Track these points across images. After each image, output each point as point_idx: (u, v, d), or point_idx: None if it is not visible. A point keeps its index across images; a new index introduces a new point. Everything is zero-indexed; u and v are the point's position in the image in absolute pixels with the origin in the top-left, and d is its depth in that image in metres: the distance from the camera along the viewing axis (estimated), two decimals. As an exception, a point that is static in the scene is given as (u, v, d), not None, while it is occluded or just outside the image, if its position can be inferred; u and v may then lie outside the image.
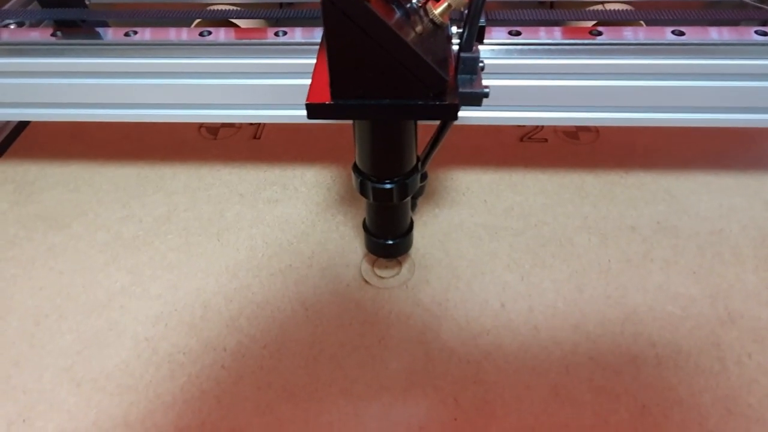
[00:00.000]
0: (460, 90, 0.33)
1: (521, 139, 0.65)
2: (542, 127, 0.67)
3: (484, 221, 0.55)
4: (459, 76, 0.34)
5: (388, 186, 0.40)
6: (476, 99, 0.34)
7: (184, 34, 0.48)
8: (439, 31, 0.33)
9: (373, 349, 0.45)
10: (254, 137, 0.67)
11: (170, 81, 0.48)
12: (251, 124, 0.69)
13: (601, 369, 0.44)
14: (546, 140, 0.65)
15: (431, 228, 0.55)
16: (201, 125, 0.68)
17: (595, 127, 0.66)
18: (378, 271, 0.51)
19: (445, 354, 0.45)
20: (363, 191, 0.41)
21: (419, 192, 0.48)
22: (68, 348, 0.46)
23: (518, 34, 0.46)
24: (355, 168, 0.41)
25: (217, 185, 0.60)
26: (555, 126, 0.67)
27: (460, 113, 0.33)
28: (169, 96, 0.50)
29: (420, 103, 0.32)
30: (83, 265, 0.53)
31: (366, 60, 0.30)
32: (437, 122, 0.39)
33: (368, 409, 0.42)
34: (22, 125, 0.69)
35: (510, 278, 0.50)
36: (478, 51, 0.33)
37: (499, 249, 0.53)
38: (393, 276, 0.51)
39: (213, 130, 0.68)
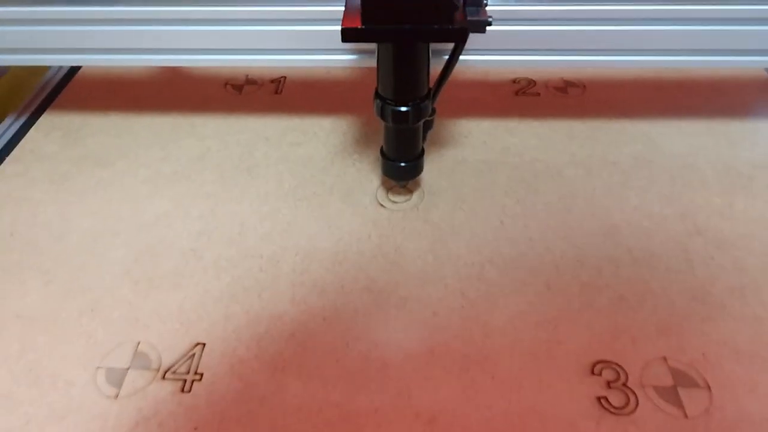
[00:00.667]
0: (468, 18, 0.41)
1: (516, 94, 0.73)
2: (535, 83, 0.74)
3: (484, 158, 0.63)
4: (467, 8, 0.41)
5: (404, 109, 0.47)
6: (481, 26, 0.41)
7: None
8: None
9: (390, 256, 0.52)
10: (276, 92, 0.74)
11: (203, 27, 0.55)
12: (272, 81, 0.76)
13: (587, 269, 0.51)
14: (539, 94, 0.72)
15: (438, 164, 0.62)
16: (226, 83, 0.75)
17: (582, 82, 0.74)
18: (392, 197, 0.58)
19: (453, 259, 0.52)
20: (383, 115, 0.48)
21: (429, 125, 0.55)
22: (124, 257, 0.53)
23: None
24: (377, 94, 0.48)
25: (244, 132, 0.67)
26: (547, 81, 0.74)
27: (463, 56, 0.41)
28: (200, 41, 0.56)
29: (436, 27, 0.40)
30: (129, 195, 0.59)
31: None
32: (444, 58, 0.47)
33: (388, 300, 0.49)
34: (66, 80, 0.76)
35: (507, 202, 0.58)
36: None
37: (497, 179, 0.60)
38: (405, 201, 0.58)
39: (237, 86, 0.75)
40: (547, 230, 0.55)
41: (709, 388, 0.42)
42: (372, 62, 0.48)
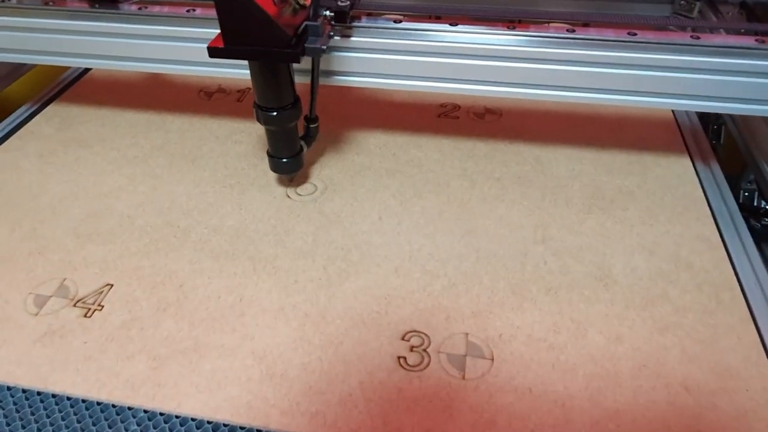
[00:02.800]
0: (306, 45, 0.53)
1: (439, 116, 0.83)
2: (459, 107, 0.84)
3: (389, 166, 0.73)
4: (309, 37, 0.53)
5: (273, 113, 0.60)
6: (315, 52, 0.54)
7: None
8: (301, 10, 0.53)
9: (279, 236, 0.64)
10: (238, 101, 0.87)
11: (168, 43, 0.69)
12: (238, 91, 0.90)
13: (434, 261, 0.60)
14: (458, 117, 0.82)
15: (348, 167, 0.73)
16: (200, 90, 0.90)
17: (501, 110, 0.83)
18: (299, 191, 0.70)
19: (327, 242, 0.63)
20: (258, 118, 0.61)
21: (311, 133, 0.68)
22: (76, 217, 0.67)
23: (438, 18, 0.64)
24: (254, 103, 0.61)
25: (201, 130, 0.81)
26: (470, 107, 0.84)
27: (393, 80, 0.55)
28: (169, 54, 0.70)
29: (276, 49, 0.52)
30: (97, 170, 0.74)
31: (243, 22, 0.50)
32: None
33: (264, 267, 0.60)
34: (76, 79, 0.93)
35: (392, 202, 0.68)
36: (322, 22, 0.53)
37: (391, 184, 0.71)
38: (309, 194, 0.69)
39: (209, 93, 0.89)
40: (415, 227, 0.64)
41: (492, 360, 0.51)
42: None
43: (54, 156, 0.77)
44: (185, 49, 0.68)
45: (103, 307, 0.56)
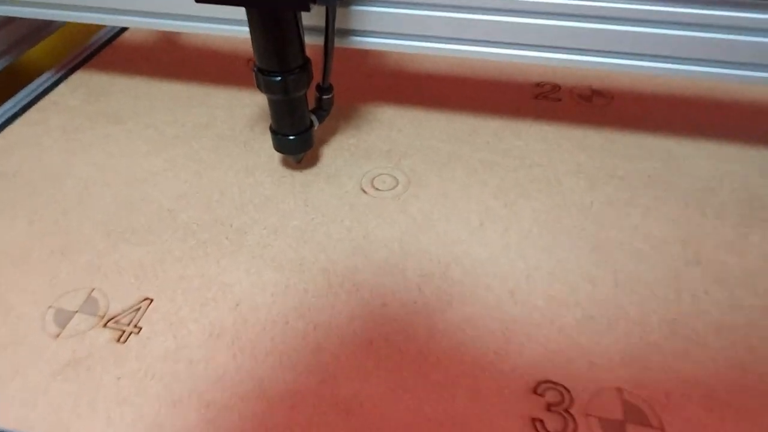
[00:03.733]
0: None
1: (536, 97, 0.69)
2: (559, 88, 0.70)
3: (483, 157, 0.60)
4: None
5: (276, 78, 0.48)
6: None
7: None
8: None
9: (357, 242, 0.51)
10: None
11: None
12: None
13: (559, 283, 0.47)
14: (560, 100, 0.68)
15: (433, 156, 0.60)
16: (250, 59, 0.77)
17: (611, 93, 0.69)
18: (377, 185, 0.57)
19: (419, 253, 0.50)
20: (259, 84, 0.49)
21: (326, 104, 0.56)
22: (106, 208, 0.55)
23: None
24: (254, 65, 0.49)
25: (251, 106, 0.68)
26: (572, 88, 0.70)
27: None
28: (218, 12, 0.57)
29: None
30: (130, 151, 0.62)
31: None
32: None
33: (342, 284, 0.47)
34: (107, 43, 0.80)
35: (494, 204, 0.54)
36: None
37: (490, 180, 0.57)
38: (388, 190, 0.56)
39: (259, 63, 0.76)
40: (528, 238, 0.51)
41: (662, 430, 0.38)
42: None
43: (80, 132, 0.65)
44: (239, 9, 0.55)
45: (140, 329, 0.44)
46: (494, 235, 0.51)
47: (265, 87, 0.50)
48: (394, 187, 0.57)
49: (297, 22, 0.47)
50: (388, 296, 0.46)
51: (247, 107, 0.68)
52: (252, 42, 0.47)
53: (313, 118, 0.56)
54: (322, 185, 0.57)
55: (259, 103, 0.68)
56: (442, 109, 0.67)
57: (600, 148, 0.61)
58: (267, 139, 0.63)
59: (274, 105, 0.52)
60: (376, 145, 0.62)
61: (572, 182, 0.56)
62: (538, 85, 0.71)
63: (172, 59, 0.77)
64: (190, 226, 0.53)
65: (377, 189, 0.56)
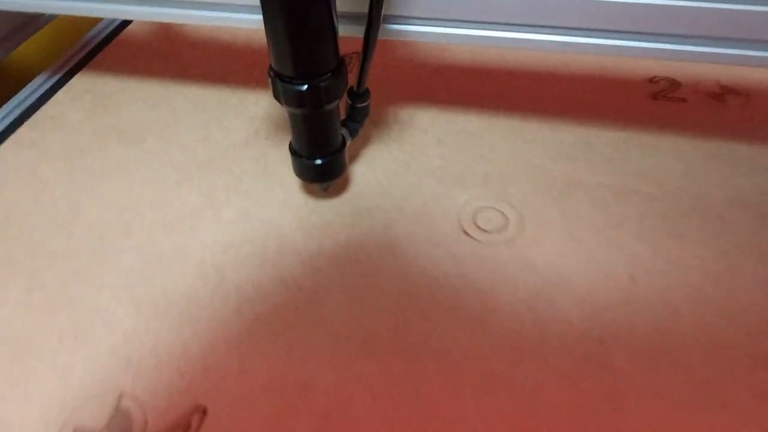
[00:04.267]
0: None
1: (654, 97, 0.55)
2: (680, 84, 0.56)
3: (609, 181, 0.47)
4: None
5: (302, 88, 0.35)
6: None
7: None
8: None
9: (474, 311, 0.38)
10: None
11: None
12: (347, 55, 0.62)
13: (764, 371, 0.35)
14: (684, 100, 0.55)
15: (543, 182, 0.47)
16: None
17: (746, 90, 0.56)
18: (481, 223, 0.44)
19: (561, 326, 0.37)
20: (277, 95, 0.37)
21: (360, 113, 0.43)
22: (131, 266, 0.41)
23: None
24: (269, 68, 0.36)
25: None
26: (696, 84, 0.56)
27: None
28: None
29: None
30: (154, 182, 0.48)
31: None
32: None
33: (462, 377, 0.35)
34: (109, 39, 0.65)
35: (641, 249, 0.41)
36: None
37: (627, 214, 0.44)
38: (498, 231, 0.43)
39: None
40: (702, 302, 0.38)
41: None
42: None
43: (87, 156, 0.51)
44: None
45: (196, 459, 0.32)
46: (654, 295, 0.39)
47: (285, 98, 0.37)
48: (504, 227, 0.43)
49: (330, 3, 0.33)
50: (529, 392, 0.34)
51: (295, 118, 0.54)
52: (271, 42, 0.34)
53: (344, 132, 0.43)
54: (411, 226, 0.44)
55: (309, 112, 0.55)
56: (540, 115, 0.53)
57: (757, 166, 0.48)
58: (327, 162, 0.49)
59: (296, 121, 0.39)
60: (468, 166, 0.48)
61: (737, 215, 0.43)
62: (651, 80, 0.57)
63: (192, 57, 0.63)
64: (245, 290, 0.40)
65: (483, 230, 0.43)
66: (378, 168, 0.48)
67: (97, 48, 0.64)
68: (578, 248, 0.42)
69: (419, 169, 0.48)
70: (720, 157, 0.49)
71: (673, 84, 0.57)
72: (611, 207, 0.44)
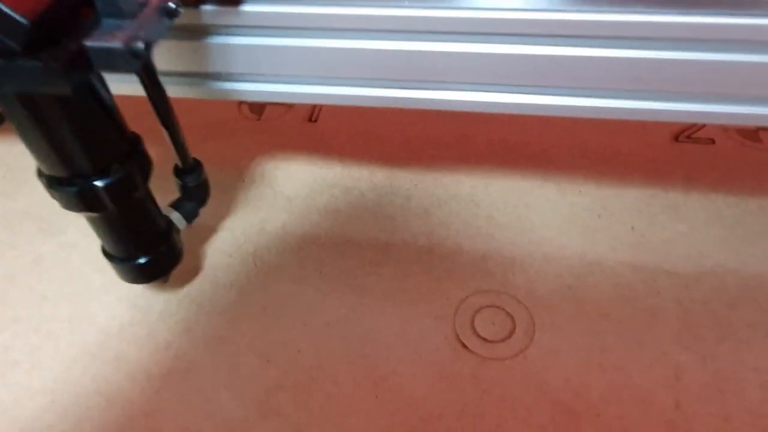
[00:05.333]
0: (89, 42, 0.21)
1: (676, 139, 0.47)
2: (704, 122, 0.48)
3: (634, 260, 0.38)
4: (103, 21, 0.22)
5: (73, 189, 0.27)
6: (112, 58, 0.22)
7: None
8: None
9: (478, 465, 0.29)
10: (309, 119, 0.51)
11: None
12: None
13: None
14: (713, 141, 0.46)
15: (555, 265, 0.38)
16: (242, 102, 0.53)
17: (783, 125, 0.47)
18: (481, 329, 0.35)
19: (594, 486, 0.29)
20: (52, 196, 0.29)
21: (196, 192, 0.36)
22: (37, 420, 0.32)
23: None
24: (39, 172, 0.29)
25: (257, 183, 0.45)
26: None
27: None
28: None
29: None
30: (74, 288, 0.39)
31: None
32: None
33: None
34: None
35: (685, 360, 0.33)
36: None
37: (661, 308, 0.35)
38: (504, 339, 0.34)
39: (257, 107, 0.53)
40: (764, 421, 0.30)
41: None
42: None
43: (-6, 254, 0.42)
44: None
45: None
46: (710, 428, 0.30)
47: (62, 202, 0.29)
48: (510, 334, 0.35)
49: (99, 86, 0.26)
50: None
51: (251, 186, 0.45)
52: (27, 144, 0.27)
53: (174, 217, 0.35)
54: (393, 335, 0.35)
55: (267, 177, 0.46)
56: (545, 169, 0.44)
57: (808, 228, 0.39)
58: (288, 245, 0.40)
59: (95, 223, 0.32)
60: (461, 246, 0.39)
61: (796, 302, 0.35)
62: (670, 117, 0.49)
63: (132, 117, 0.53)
64: None
65: (484, 339, 0.35)
66: (353, 256, 0.39)
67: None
68: (605, 361, 0.33)
69: (402, 254, 0.39)
70: (764, 217, 0.40)
71: (696, 122, 0.48)
72: (640, 298, 0.36)
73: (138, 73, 0.28)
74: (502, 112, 0.32)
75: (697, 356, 0.33)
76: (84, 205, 0.28)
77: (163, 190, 0.36)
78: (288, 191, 0.44)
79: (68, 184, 0.28)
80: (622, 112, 0.32)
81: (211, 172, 0.43)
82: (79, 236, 0.42)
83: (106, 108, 0.27)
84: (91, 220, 0.31)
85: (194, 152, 0.37)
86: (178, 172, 0.35)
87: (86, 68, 0.22)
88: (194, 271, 0.39)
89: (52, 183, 0.28)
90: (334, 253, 0.40)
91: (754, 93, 0.30)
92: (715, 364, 0.33)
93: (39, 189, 0.45)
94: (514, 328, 0.35)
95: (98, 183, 0.28)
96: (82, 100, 0.25)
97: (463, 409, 0.31)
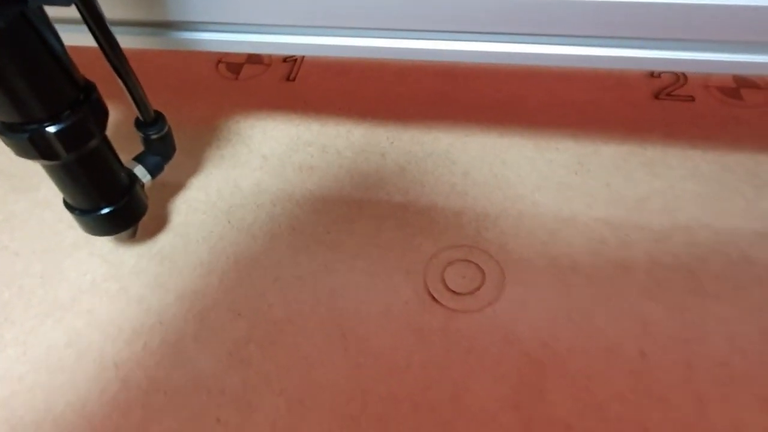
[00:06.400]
0: None
1: (656, 96, 0.46)
2: (686, 79, 0.47)
3: (608, 216, 0.38)
4: None
5: (23, 135, 0.27)
6: None
7: None
8: None
9: (443, 411, 0.30)
10: (287, 78, 0.50)
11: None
12: (284, 60, 0.52)
13: (817, 484, 0.27)
14: (692, 98, 0.46)
15: (528, 221, 0.38)
16: (219, 60, 0.52)
17: (765, 80, 0.46)
18: (451, 283, 0.35)
19: (555, 430, 0.29)
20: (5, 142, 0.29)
21: (159, 145, 0.36)
22: (9, 370, 0.33)
23: None
24: None
25: (233, 142, 0.45)
26: (705, 78, 0.47)
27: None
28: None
29: None
30: (46, 245, 0.39)
31: None
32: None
33: None
34: None
35: (653, 311, 0.33)
36: None
37: (633, 261, 0.35)
38: (473, 292, 0.35)
39: (234, 66, 0.52)
40: (731, 383, 0.30)
41: None
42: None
43: (-33, 212, 0.41)
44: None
45: None
46: (670, 377, 0.30)
47: (15, 149, 0.29)
48: (479, 286, 0.35)
49: (43, 26, 0.26)
50: None
51: (226, 144, 0.45)
52: None
53: (138, 170, 0.35)
54: (363, 289, 0.35)
55: (243, 136, 0.45)
56: (523, 126, 0.44)
57: (784, 184, 0.39)
58: (263, 204, 0.40)
59: (52, 172, 0.31)
60: (436, 203, 0.39)
61: (767, 255, 0.35)
62: (652, 75, 0.48)
63: (101, 72, 0.52)
64: (154, 398, 0.31)
65: (453, 292, 0.35)
66: (327, 213, 0.39)
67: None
68: (573, 312, 0.33)
69: (376, 211, 0.39)
70: (741, 173, 0.40)
71: (679, 78, 0.47)
72: (611, 251, 0.36)
73: (82, 15, 0.27)
74: (479, 61, 0.32)
75: (664, 308, 0.33)
76: (37, 152, 0.28)
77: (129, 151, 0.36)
78: (264, 150, 0.44)
79: (20, 131, 0.27)
80: (597, 60, 0.32)
81: (186, 131, 0.43)
82: (51, 194, 0.42)
83: (53, 51, 0.27)
84: (50, 170, 0.31)
85: (168, 111, 0.37)
86: (140, 125, 0.35)
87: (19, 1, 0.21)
88: (167, 228, 0.39)
89: (4, 129, 0.27)
90: (308, 210, 0.40)
91: (730, 38, 0.29)
92: (682, 315, 0.33)
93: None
94: (484, 282, 0.35)
95: (50, 129, 0.27)
96: (24, 39, 0.25)
97: (431, 360, 0.32)
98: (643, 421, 0.29)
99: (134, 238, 0.38)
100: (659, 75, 0.48)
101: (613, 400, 0.30)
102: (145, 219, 0.37)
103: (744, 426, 0.29)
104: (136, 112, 0.35)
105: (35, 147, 0.28)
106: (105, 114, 0.31)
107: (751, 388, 0.30)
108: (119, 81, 0.31)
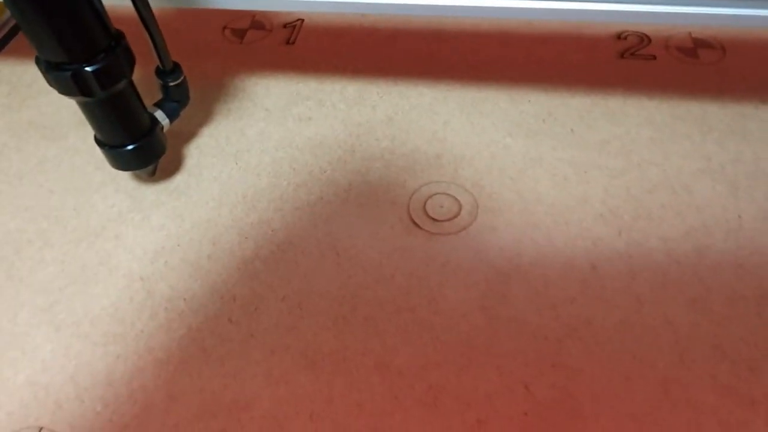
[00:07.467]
0: None
1: (622, 56, 0.51)
2: (650, 40, 0.52)
3: (571, 157, 0.43)
4: None
5: (67, 72, 0.32)
6: None
7: None
8: None
9: (421, 312, 0.35)
10: (287, 42, 0.55)
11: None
12: (285, 26, 0.57)
13: (730, 362, 0.32)
14: (654, 57, 0.50)
15: (501, 161, 0.43)
16: (225, 26, 0.57)
17: (721, 43, 0.51)
18: (431, 211, 0.40)
19: (515, 325, 0.34)
20: (48, 81, 0.34)
21: (176, 92, 0.42)
22: (50, 283, 0.38)
23: None
24: (37, 59, 0.34)
25: (239, 97, 0.50)
26: (667, 39, 0.52)
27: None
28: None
29: None
30: (77, 183, 0.44)
31: None
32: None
33: (410, 391, 0.32)
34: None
35: (604, 232, 0.38)
36: None
37: (590, 193, 0.41)
38: (450, 219, 0.40)
39: (239, 32, 0.57)
40: (666, 286, 0.35)
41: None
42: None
43: (2, 158, 0.46)
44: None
45: (119, 500, 0.29)
46: (616, 284, 0.36)
47: (58, 86, 0.34)
48: (456, 215, 0.40)
49: None
50: (475, 407, 0.31)
51: (232, 99, 0.50)
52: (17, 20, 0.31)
53: (158, 114, 0.40)
54: (354, 217, 0.40)
55: (248, 92, 0.50)
56: (499, 82, 0.49)
57: (729, 131, 0.44)
58: (266, 149, 0.45)
59: (86, 109, 0.37)
60: (419, 147, 0.44)
61: (706, 188, 0.40)
62: (619, 37, 0.53)
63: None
64: (175, 303, 0.37)
65: (434, 219, 0.40)
66: (323, 156, 0.44)
67: (15, 30, 0.58)
68: (535, 234, 0.39)
69: (366, 154, 0.44)
70: (690, 120, 0.45)
71: (643, 39, 0.52)
72: (572, 186, 0.41)
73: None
74: (462, 15, 0.37)
75: (614, 230, 0.38)
76: (77, 88, 0.33)
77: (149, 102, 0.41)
78: (266, 103, 0.49)
79: (64, 69, 0.32)
80: (565, 13, 0.36)
81: (196, 88, 0.48)
82: (79, 141, 0.47)
83: (92, 3, 0.31)
84: (85, 107, 0.36)
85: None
86: (160, 73, 0.40)
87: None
88: (182, 169, 0.44)
89: (50, 68, 0.32)
90: (306, 153, 0.45)
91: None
92: (629, 235, 0.38)
93: (41, 102, 0.51)
94: (460, 210, 0.40)
95: (88, 68, 0.32)
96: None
97: (412, 272, 0.37)
98: (589, 317, 0.34)
99: (154, 176, 0.43)
100: (626, 37, 0.53)
101: (565, 302, 0.35)
102: (163, 160, 0.43)
103: (674, 321, 0.34)
104: (156, 62, 0.39)
105: (76, 83, 0.33)
106: (133, 59, 0.36)
107: (682, 293, 0.35)
108: (145, 32, 0.36)
